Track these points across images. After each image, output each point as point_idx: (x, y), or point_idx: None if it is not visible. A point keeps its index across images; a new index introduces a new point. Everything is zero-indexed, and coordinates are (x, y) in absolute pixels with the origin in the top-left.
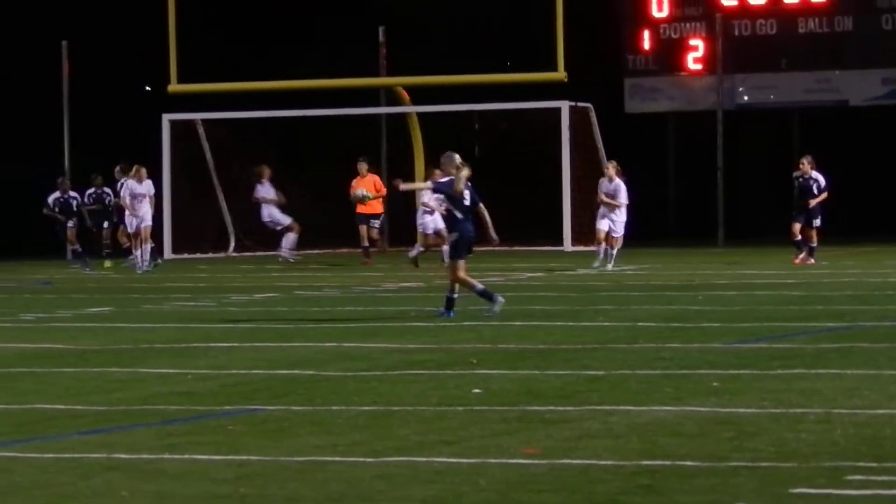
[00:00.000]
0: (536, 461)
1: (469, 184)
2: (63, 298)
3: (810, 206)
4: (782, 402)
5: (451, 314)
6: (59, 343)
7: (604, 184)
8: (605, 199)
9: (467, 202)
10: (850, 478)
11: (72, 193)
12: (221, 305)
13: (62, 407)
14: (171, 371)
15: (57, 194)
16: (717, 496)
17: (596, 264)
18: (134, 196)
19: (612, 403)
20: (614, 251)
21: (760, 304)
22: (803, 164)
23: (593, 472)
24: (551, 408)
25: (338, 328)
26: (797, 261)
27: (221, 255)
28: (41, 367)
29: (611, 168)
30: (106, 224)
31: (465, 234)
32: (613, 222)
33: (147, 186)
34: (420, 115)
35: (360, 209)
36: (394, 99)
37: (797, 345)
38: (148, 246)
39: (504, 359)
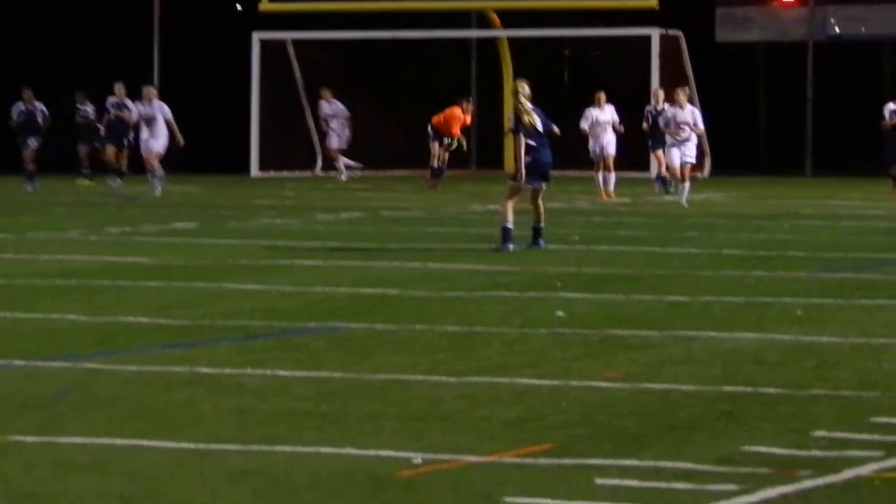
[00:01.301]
0: (618, 385)
1: (536, 109)
2: (148, 213)
3: None
4: (865, 332)
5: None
6: (144, 257)
7: (671, 111)
8: (677, 128)
9: (539, 127)
10: None
11: (37, 104)
12: (307, 224)
13: (145, 320)
14: (255, 287)
15: (21, 106)
16: (797, 424)
17: (684, 196)
18: (144, 118)
19: (695, 329)
20: (688, 184)
21: (846, 234)
22: None
23: (674, 397)
24: (634, 332)
25: (423, 249)
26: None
27: (308, 173)
28: (125, 281)
29: (682, 95)
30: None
31: (539, 160)
32: (685, 152)
33: (156, 108)
34: (510, 39)
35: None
36: (485, 22)
37: (882, 276)
38: (154, 172)
39: (588, 283)
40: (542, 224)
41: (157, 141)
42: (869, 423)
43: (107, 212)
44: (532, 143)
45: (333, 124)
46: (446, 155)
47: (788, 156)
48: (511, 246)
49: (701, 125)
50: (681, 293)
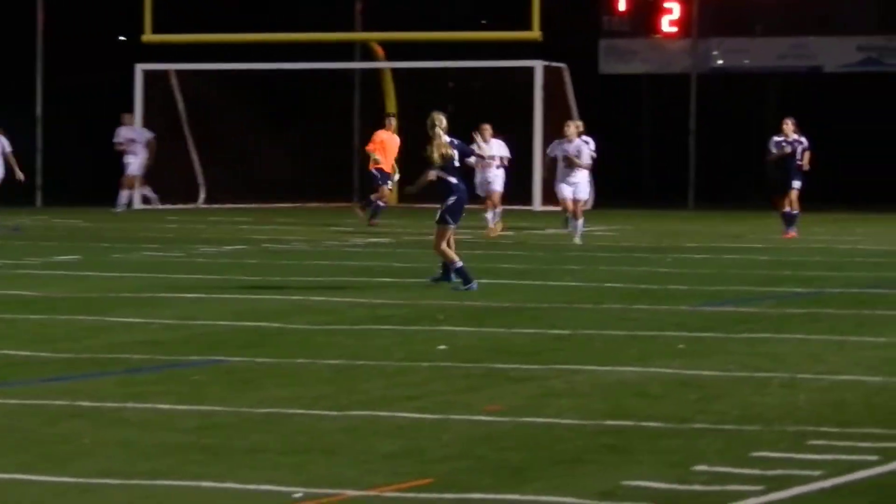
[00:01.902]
0: (500, 418)
1: (454, 140)
2: (31, 245)
3: (803, 167)
4: (747, 365)
5: (469, 285)
6: (27, 290)
7: (562, 145)
8: (572, 161)
9: (457, 162)
10: (811, 442)
11: None
12: (190, 256)
13: (28, 353)
14: (137, 320)
15: None
16: (680, 457)
17: (576, 238)
18: None
19: (578, 363)
20: (580, 221)
21: (728, 267)
22: (787, 125)
23: (557, 430)
24: (516, 366)
25: (305, 282)
26: (788, 235)
27: (191, 206)
28: (8, 314)
29: (572, 127)
30: None
31: (462, 198)
32: (576, 186)
33: None
34: (394, 71)
35: (380, 167)
36: (368, 54)
37: (763, 309)
38: None
39: (470, 316)
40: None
41: None
42: (750, 457)
43: None
44: (453, 180)
45: (134, 150)
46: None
47: (672, 188)
48: (475, 284)
49: (586, 160)
50: (563, 326)
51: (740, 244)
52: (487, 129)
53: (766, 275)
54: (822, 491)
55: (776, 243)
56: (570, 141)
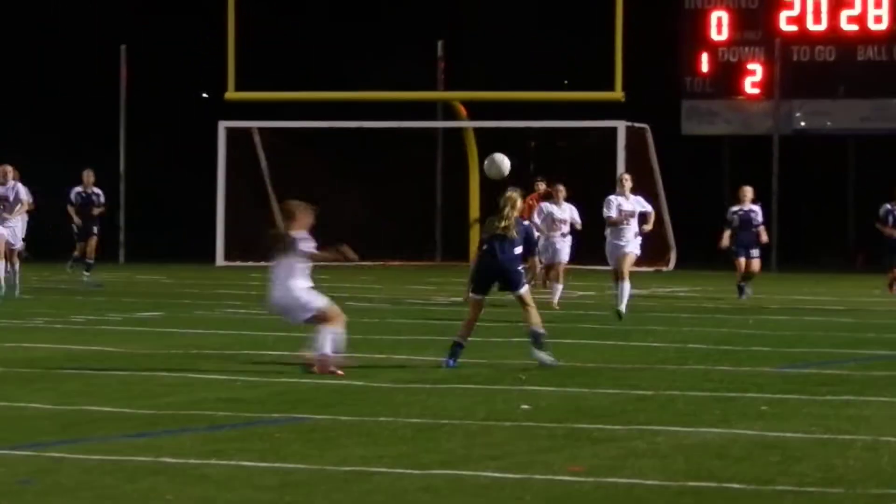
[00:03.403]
0: (582, 479)
1: (523, 221)
2: (114, 301)
3: None
4: (830, 427)
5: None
6: (109, 346)
7: (617, 201)
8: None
9: (514, 232)
10: None
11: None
12: (272, 314)
13: (110, 409)
14: (219, 377)
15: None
16: None
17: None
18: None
19: (660, 424)
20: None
21: (811, 329)
22: None
23: (639, 491)
24: (598, 426)
25: (387, 340)
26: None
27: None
28: (90, 369)
29: (628, 182)
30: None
31: (485, 265)
32: (629, 246)
33: (10, 189)
34: (476, 129)
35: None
36: (451, 113)
37: (846, 371)
38: (12, 265)
39: (552, 376)
40: (536, 328)
41: (9, 230)
42: None
43: (72, 299)
44: (485, 246)
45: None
46: None
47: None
48: (450, 362)
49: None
50: (645, 387)
51: (822, 306)
52: (561, 190)
53: (848, 337)
54: None
55: (858, 305)
56: (626, 197)
